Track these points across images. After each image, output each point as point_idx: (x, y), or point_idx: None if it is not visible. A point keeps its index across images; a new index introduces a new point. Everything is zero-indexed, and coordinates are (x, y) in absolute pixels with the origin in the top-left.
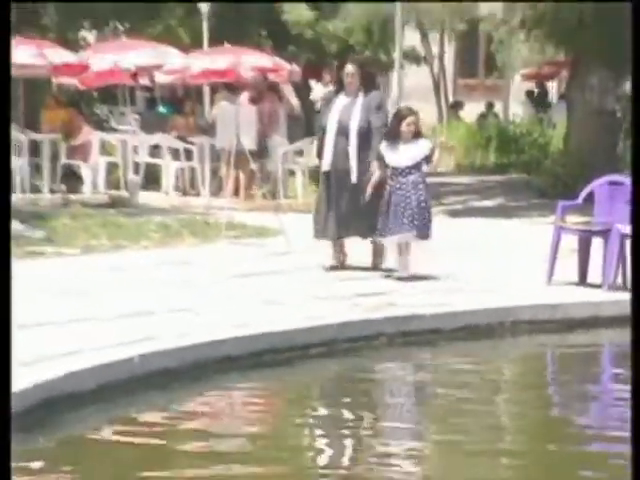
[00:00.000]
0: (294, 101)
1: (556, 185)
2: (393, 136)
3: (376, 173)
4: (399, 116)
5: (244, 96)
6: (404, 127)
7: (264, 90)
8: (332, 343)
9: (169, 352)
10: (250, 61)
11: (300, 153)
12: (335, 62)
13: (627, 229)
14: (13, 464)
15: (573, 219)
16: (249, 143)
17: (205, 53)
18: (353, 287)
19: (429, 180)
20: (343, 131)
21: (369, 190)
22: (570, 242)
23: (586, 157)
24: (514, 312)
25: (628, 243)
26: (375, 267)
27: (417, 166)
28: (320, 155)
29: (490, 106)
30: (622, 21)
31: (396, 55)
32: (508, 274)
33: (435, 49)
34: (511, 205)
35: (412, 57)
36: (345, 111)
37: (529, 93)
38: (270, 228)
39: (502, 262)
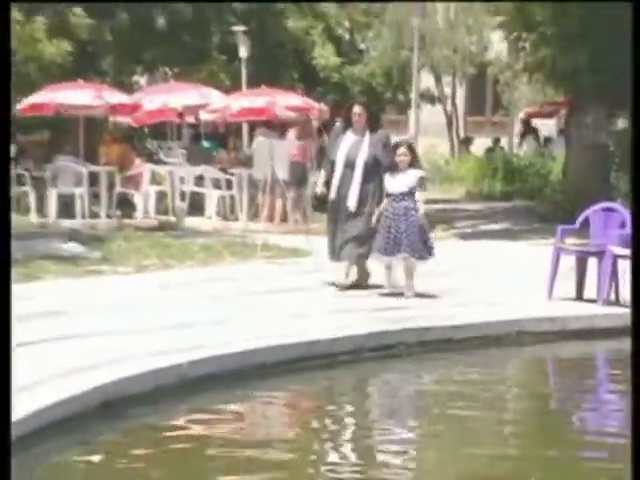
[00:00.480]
0: (324, 136)
1: (556, 211)
2: (391, 167)
3: (384, 202)
4: (395, 148)
5: (292, 133)
6: (397, 157)
7: (306, 127)
8: (359, 351)
9: (213, 359)
10: (284, 101)
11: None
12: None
13: (619, 251)
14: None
15: (571, 241)
16: (282, 174)
17: (243, 94)
18: (373, 302)
19: (443, 207)
20: (350, 165)
21: (375, 217)
22: (568, 262)
23: (582, 186)
24: (519, 324)
25: (620, 263)
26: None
27: (410, 193)
28: (327, 185)
29: (497, 141)
30: (614, 67)
31: (413, 96)
32: (513, 290)
33: (448, 90)
34: (515, 229)
35: (427, 97)
36: (353, 147)
37: (524, 131)
38: (301, 249)
39: (508, 280)
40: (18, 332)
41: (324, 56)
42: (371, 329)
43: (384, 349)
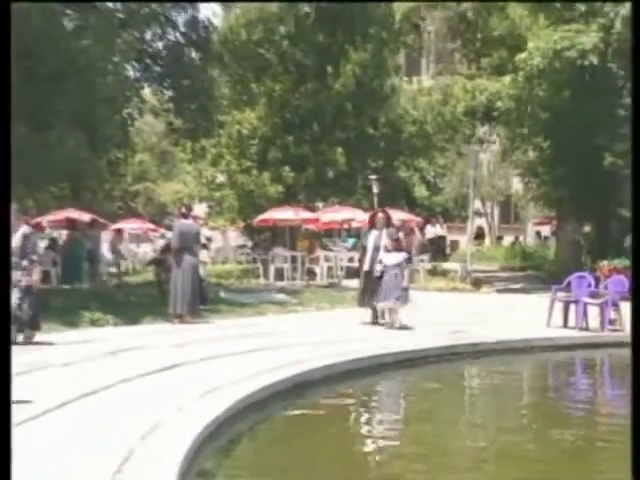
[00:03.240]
0: (419, 236)
1: (551, 278)
2: (387, 249)
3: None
4: (391, 238)
5: (401, 233)
6: (392, 244)
7: (410, 229)
8: (438, 356)
9: (352, 361)
10: (398, 215)
11: (421, 261)
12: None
13: (588, 300)
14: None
15: (560, 295)
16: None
17: (375, 211)
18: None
19: (488, 275)
20: (376, 248)
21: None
22: (558, 306)
23: (566, 264)
24: (530, 341)
25: (589, 307)
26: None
27: (399, 265)
28: (361, 261)
29: (516, 238)
30: (584, 198)
31: (470, 213)
32: (527, 322)
33: (489, 210)
34: (528, 287)
35: (477, 214)
36: (377, 238)
37: (538, 234)
38: None
39: (524, 315)
40: (248, 344)
41: (420, 192)
42: (444, 343)
43: (454, 355)
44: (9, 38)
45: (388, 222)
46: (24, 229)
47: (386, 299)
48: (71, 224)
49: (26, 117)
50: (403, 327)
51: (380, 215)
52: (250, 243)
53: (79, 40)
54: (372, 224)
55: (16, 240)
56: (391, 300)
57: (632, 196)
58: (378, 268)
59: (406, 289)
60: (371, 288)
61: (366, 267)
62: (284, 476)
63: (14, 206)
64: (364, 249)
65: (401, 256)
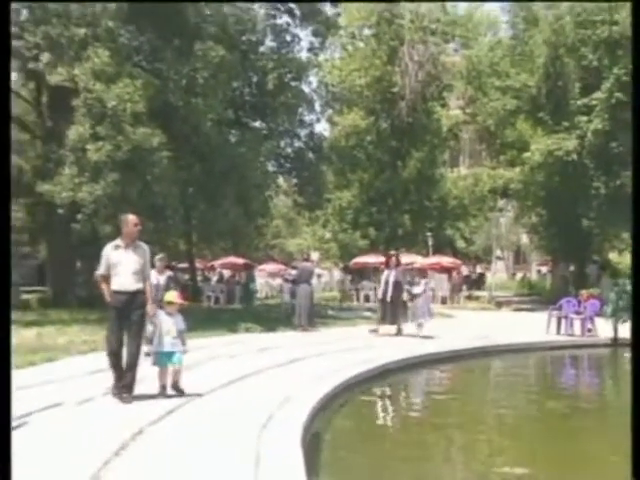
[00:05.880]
0: (459, 273)
1: (548, 301)
2: (411, 282)
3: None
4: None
5: (446, 276)
6: (415, 280)
7: (455, 269)
8: (467, 353)
9: (409, 357)
10: (445, 259)
11: (460, 290)
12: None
13: (574, 316)
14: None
15: (554, 312)
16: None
17: (430, 258)
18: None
19: (506, 299)
20: (387, 282)
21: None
22: (554, 320)
23: (558, 292)
24: (533, 343)
25: (574, 321)
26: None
27: (422, 293)
28: (383, 294)
29: (524, 274)
30: (571, 244)
31: (493, 258)
32: (531, 330)
33: (506, 255)
34: (532, 307)
35: (498, 258)
36: (388, 275)
37: (539, 271)
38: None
39: (529, 327)
40: (345, 345)
41: (459, 244)
42: (475, 345)
43: (482, 352)
44: (9, 38)
45: (398, 263)
46: (169, 274)
47: (415, 317)
48: (232, 266)
49: (205, 198)
50: (426, 337)
51: (392, 259)
52: (349, 277)
53: (238, 148)
54: (387, 264)
55: (163, 279)
56: (419, 318)
57: (632, 196)
58: (405, 296)
59: (428, 309)
60: (385, 311)
61: (380, 295)
62: (373, 432)
63: (161, 255)
64: (385, 284)
65: (423, 285)
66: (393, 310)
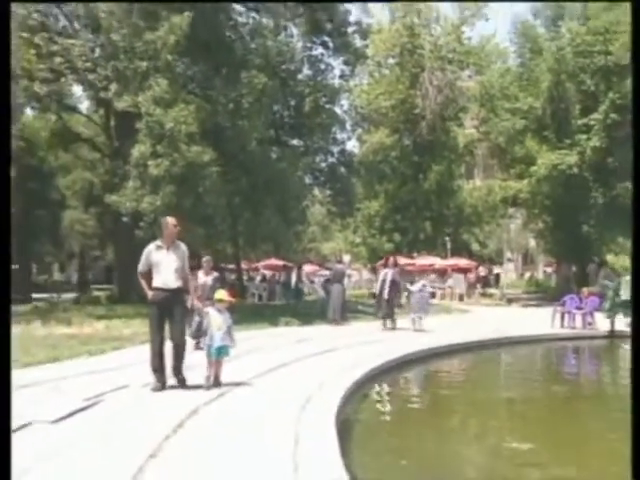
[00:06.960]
0: (477, 274)
1: (553, 298)
2: (412, 281)
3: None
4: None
5: (463, 275)
6: (416, 279)
7: (471, 270)
8: (481, 345)
9: (427, 349)
10: (462, 261)
11: (476, 288)
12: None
13: (576, 311)
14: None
15: (559, 308)
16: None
17: (448, 259)
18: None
19: (515, 296)
20: (384, 281)
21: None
22: (558, 315)
23: (561, 290)
24: (540, 336)
25: (576, 315)
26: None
27: (420, 291)
28: (380, 291)
29: (532, 274)
30: (572, 247)
31: (504, 259)
32: (538, 324)
33: (515, 257)
34: (539, 304)
35: (509, 260)
36: (388, 275)
37: (545, 271)
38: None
39: (536, 320)
40: (373, 337)
41: (475, 247)
42: (489, 337)
43: (495, 343)
44: (9, 38)
45: (395, 264)
46: (215, 274)
47: (414, 313)
48: (273, 267)
49: (250, 207)
50: (422, 330)
51: (390, 259)
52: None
53: (279, 164)
54: (385, 264)
55: (210, 280)
56: (417, 313)
57: (632, 196)
58: (405, 294)
59: (424, 307)
60: (381, 306)
61: (377, 291)
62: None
63: (207, 257)
64: (382, 282)
65: (420, 285)
66: (389, 306)
